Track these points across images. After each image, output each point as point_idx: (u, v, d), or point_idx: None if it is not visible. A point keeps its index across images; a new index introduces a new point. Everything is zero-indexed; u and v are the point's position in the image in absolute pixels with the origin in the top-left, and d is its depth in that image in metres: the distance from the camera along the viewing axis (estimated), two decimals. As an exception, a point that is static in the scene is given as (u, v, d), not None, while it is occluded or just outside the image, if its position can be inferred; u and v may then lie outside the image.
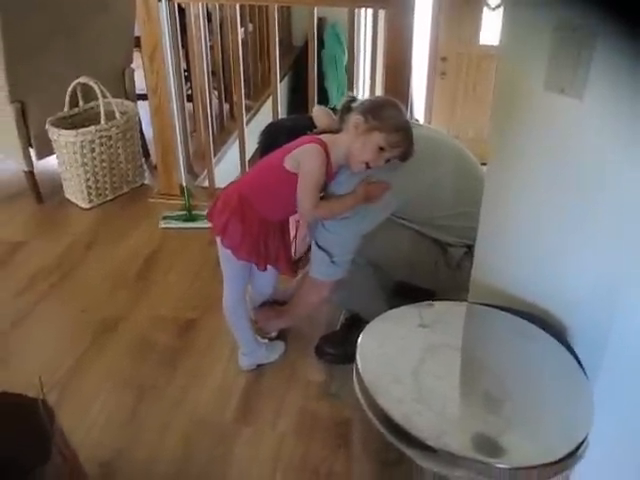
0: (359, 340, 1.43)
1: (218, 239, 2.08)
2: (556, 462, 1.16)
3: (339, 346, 2.35)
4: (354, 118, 1.92)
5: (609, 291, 1.38)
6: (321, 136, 2.00)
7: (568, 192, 1.40)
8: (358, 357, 1.37)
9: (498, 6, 6.35)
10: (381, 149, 1.90)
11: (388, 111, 1.92)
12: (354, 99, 2.00)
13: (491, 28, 6.46)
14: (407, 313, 1.55)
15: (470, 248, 2.09)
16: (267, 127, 2.36)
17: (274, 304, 2.49)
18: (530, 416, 1.29)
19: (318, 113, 2.20)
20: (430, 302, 1.59)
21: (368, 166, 1.94)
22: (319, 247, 2.11)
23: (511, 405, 1.29)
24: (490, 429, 1.24)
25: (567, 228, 1.43)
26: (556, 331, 1.48)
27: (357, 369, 1.34)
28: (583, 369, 1.37)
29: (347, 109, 1.97)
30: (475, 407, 1.31)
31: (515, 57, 1.43)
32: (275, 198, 2.06)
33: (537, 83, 1.37)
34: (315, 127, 2.13)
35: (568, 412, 1.29)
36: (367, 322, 1.52)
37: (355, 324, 2.29)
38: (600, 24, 1.23)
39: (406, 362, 1.36)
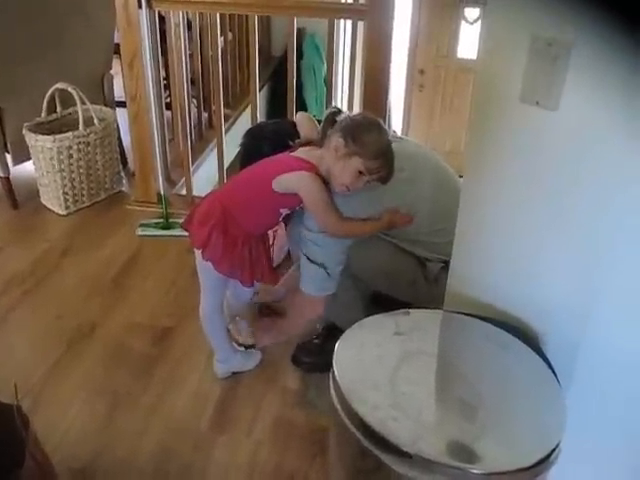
0: (336, 347, 1.44)
1: (198, 251, 2.08)
2: (529, 467, 1.18)
3: (316, 355, 2.35)
4: (335, 140, 1.92)
5: (582, 299, 1.40)
6: (306, 154, 2.01)
7: (543, 203, 1.43)
8: (335, 364, 1.38)
9: (476, 20, 6.42)
10: (360, 173, 1.92)
11: (368, 136, 1.91)
12: (339, 111, 2.01)
13: (469, 42, 6.52)
14: (383, 321, 1.56)
15: (447, 263, 2.11)
16: (250, 130, 2.37)
17: (271, 314, 2.58)
18: (504, 423, 1.31)
19: (301, 120, 2.21)
20: (406, 310, 1.61)
21: (348, 188, 1.95)
22: (311, 262, 2.10)
23: (485, 412, 1.31)
24: (465, 435, 1.25)
25: (541, 238, 1.45)
26: (530, 339, 1.51)
27: (334, 376, 1.35)
28: (556, 376, 1.39)
29: (331, 122, 1.98)
30: (450, 414, 1.33)
31: (492, 70, 1.45)
32: (259, 214, 2.07)
33: (513, 95, 1.39)
34: (297, 133, 2.14)
35: (541, 418, 1.31)
36: (344, 332, 1.53)
37: (332, 333, 2.29)
38: (575, 37, 1.26)
39: (382, 369, 1.38)
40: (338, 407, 1.31)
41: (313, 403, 2.24)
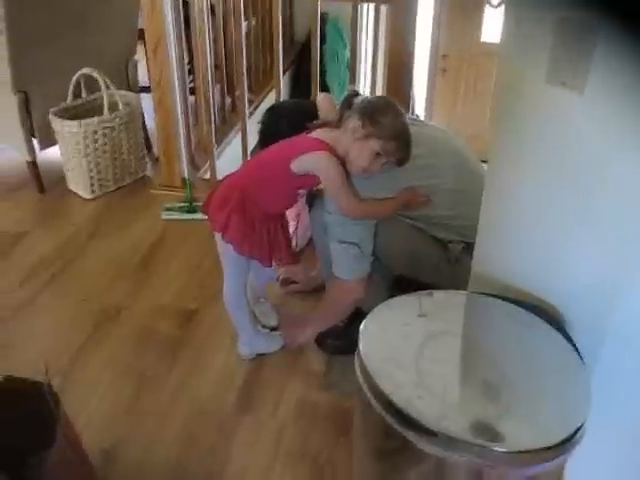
0: (361, 327, 1.45)
1: (218, 234, 2.10)
2: (553, 447, 1.18)
3: (340, 337, 2.36)
4: (352, 122, 1.93)
5: (609, 282, 1.40)
6: (323, 135, 2.01)
7: (569, 185, 1.42)
8: (360, 343, 1.39)
9: (500, 3, 6.34)
10: (378, 155, 1.92)
11: (386, 117, 1.91)
12: (357, 93, 2.01)
13: (493, 25, 6.46)
14: (408, 302, 1.57)
15: (468, 245, 2.11)
16: (270, 108, 2.37)
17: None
18: (528, 402, 1.31)
19: (323, 101, 2.22)
20: (430, 291, 1.61)
21: (365, 170, 1.96)
22: (341, 242, 2.09)
23: (509, 391, 1.31)
24: (489, 414, 1.26)
25: (568, 220, 1.45)
26: (555, 320, 1.50)
27: (359, 355, 1.36)
28: (581, 357, 1.39)
29: (348, 104, 1.98)
30: (475, 393, 1.33)
31: (516, 51, 1.45)
32: (278, 194, 2.09)
33: (538, 77, 1.38)
34: (317, 114, 2.15)
35: (566, 398, 1.31)
36: (367, 315, 1.54)
37: (356, 316, 2.30)
38: (601, 18, 1.25)
39: (408, 348, 1.38)
40: (363, 386, 1.32)
41: (337, 385, 2.25)
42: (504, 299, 1.55)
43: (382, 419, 1.27)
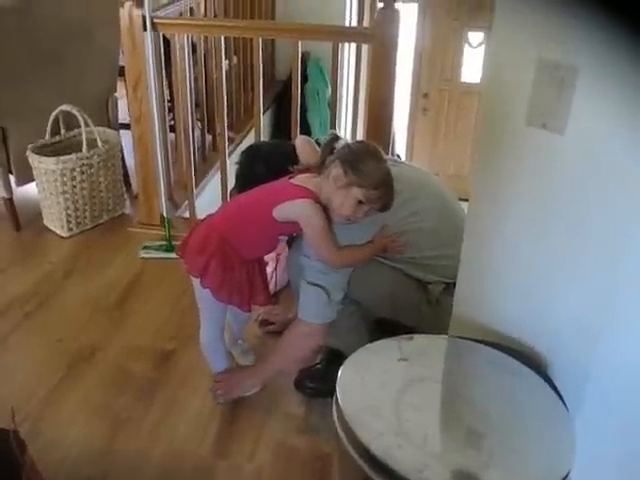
0: (339, 372, 1.42)
1: (196, 279, 2.06)
2: (537, 499, 1.15)
3: (319, 380, 2.32)
4: (334, 170, 1.89)
5: (591, 326, 1.38)
6: (305, 181, 1.98)
7: (550, 227, 1.41)
8: (338, 389, 1.36)
9: (479, 44, 6.46)
10: (360, 202, 1.89)
11: (367, 165, 1.88)
12: (337, 137, 1.98)
13: (472, 65, 6.55)
14: (387, 346, 1.54)
15: (448, 285, 2.09)
16: (246, 149, 2.35)
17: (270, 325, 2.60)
18: (511, 451, 1.28)
19: (302, 144, 2.20)
20: (410, 335, 1.58)
21: (348, 218, 1.93)
22: (312, 284, 2.06)
23: (492, 440, 1.28)
24: (471, 464, 1.22)
25: (550, 263, 1.44)
26: (537, 365, 1.48)
27: (337, 401, 1.33)
28: (564, 403, 1.36)
29: (330, 149, 1.95)
30: (456, 441, 1.30)
31: (497, 92, 1.45)
32: (258, 240, 2.07)
33: (519, 118, 1.38)
34: (295, 157, 2.13)
35: (550, 447, 1.28)
36: (347, 357, 1.51)
37: (335, 359, 2.26)
38: (581, 60, 1.25)
39: (387, 395, 1.35)
40: (341, 434, 1.29)
41: (316, 429, 2.20)
42: (486, 343, 1.53)
43: (361, 469, 1.23)
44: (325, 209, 1.95)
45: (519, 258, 1.51)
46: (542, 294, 1.48)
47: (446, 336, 1.66)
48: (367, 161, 1.89)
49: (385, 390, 1.37)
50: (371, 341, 1.56)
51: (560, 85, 1.28)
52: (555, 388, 1.40)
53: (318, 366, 2.37)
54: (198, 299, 2.15)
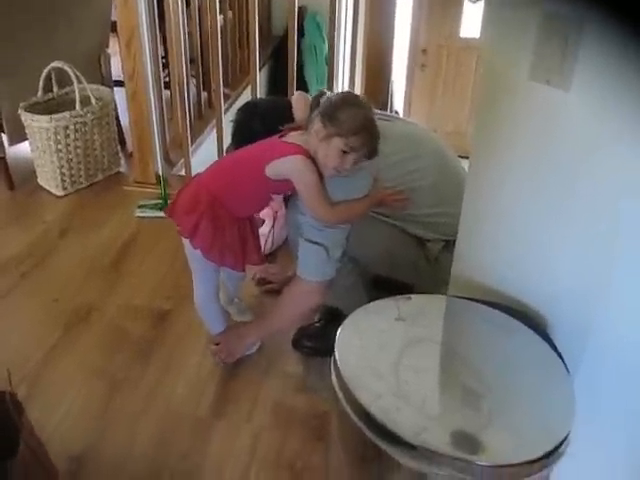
0: (338, 333, 1.40)
1: (186, 240, 2.04)
2: (538, 459, 1.14)
3: (317, 339, 2.32)
4: (315, 124, 1.87)
5: (590, 285, 1.36)
6: (296, 139, 1.95)
7: (552, 185, 1.38)
8: (337, 351, 1.34)
9: (479, -1, 6.34)
10: (345, 152, 1.85)
11: (344, 113, 1.84)
12: (323, 94, 1.94)
13: (472, 21, 6.45)
14: (386, 306, 1.52)
15: (447, 243, 2.08)
16: (243, 106, 2.31)
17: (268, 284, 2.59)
18: (510, 411, 1.27)
19: (297, 100, 2.16)
20: (408, 295, 1.57)
21: (337, 170, 1.90)
22: (311, 242, 2.03)
23: (491, 400, 1.27)
24: (470, 425, 1.21)
25: (550, 221, 1.41)
26: (536, 324, 1.47)
27: (335, 363, 1.32)
28: (564, 363, 1.35)
29: (317, 104, 1.91)
30: (455, 402, 1.29)
31: (500, 47, 1.41)
32: (250, 198, 2.04)
33: (522, 74, 1.35)
34: (291, 114, 2.09)
35: (549, 408, 1.27)
36: (345, 316, 1.49)
37: (334, 318, 2.26)
38: (587, 13, 1.21)
39: (385, 356, 1.34)
40: (340, 395, 1.27)
41: (314, 388, 2.20)
42: (485, 303, 1.51)
43: (360, 430, 1.22)
44: (317, 165, 1.92)
45: (519, 217, 1.49)
46: (542, 254, 1.46)
47: (444, 296, 1.64)
48: (344, 109, 1.84)
49: (384, 351, 1.35)
50: (369, 300, 1.54)
51: (565, 40, 1.24)
52: (555, 348, 1.39)
53: (316, 325, 2.36)
54: (190, 260, 2.13)
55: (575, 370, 1.38)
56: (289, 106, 2.14)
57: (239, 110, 2.27)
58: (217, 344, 2.28)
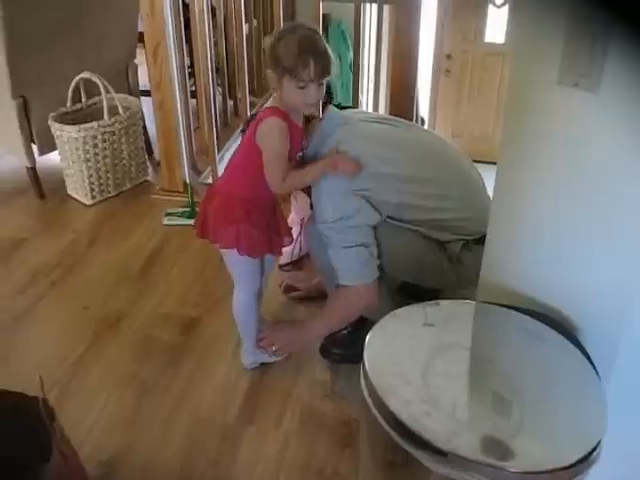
0: (367, 339, 1.40)
1: (228, 251, 2.04)
2: (568, 467, 1.13)
3: (345, 346, 2.31)
4: (269, 75, 1.85)
5: (623, 291, 1.35)
6: (272, 101, 1.93)
7: (582, 189, 1.37)
8: (366, 357, 1.34)
9: (504, 3, 6.31)
10: (301, 87, 1.82)
11: (279, 49, 1.80)
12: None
13: (496, 25, 6.41)
14: (414, 312, 1.52)
15: (466, 242, 2.08)
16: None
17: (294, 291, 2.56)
18: (541, 418, 1.26)
19: None
20: (436, 301, 1.56)
21: (308, 105, 1.88)
22: (350, 246, 1.99)
23: (522, 407, 1.26)
24: (500, 431, 1.21)
25: (581, 227, 1.40)
26: (567, 330, 1.46)
27: (365, 369, 1.32)
28: (596, 370, 1.34)
29: None
30: (485, 408, 1.29)
31: (527, 51, 1.40)
32: (255, 176, 1.99)
33: (550, 77, 1.34)
34: None
35: (580, 415, 1.26)
36: (373, 323, 1.49)
37: (360, 325, 2.25)
38: (614, 17, 1.20)
39: (415, 362, 1.34)
40: (370, 402, 1.27)
41: (342, 394, 2.20)
42: (514, 308, 1.50)
43: (389, 436, 1.22)
44: (295, 132, 1.92)
45: (549, 222, 1.48)
46: (573, 260, 1.45)
47: (473, 301, 1.64)
48: (277, 45, 1.81)
49: (413, 357, 1.35)
50: (396, 307, 1.54)
51: (593, 41, 1.23)
52: (587, 355, 1.37)
53: (344, 332, 2.35)
54: (232, 265, 2.12)
55: (606, 376, 1.37)
56: None
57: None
58: (262, 339, 2.26)
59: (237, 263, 2.10)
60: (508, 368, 1.38)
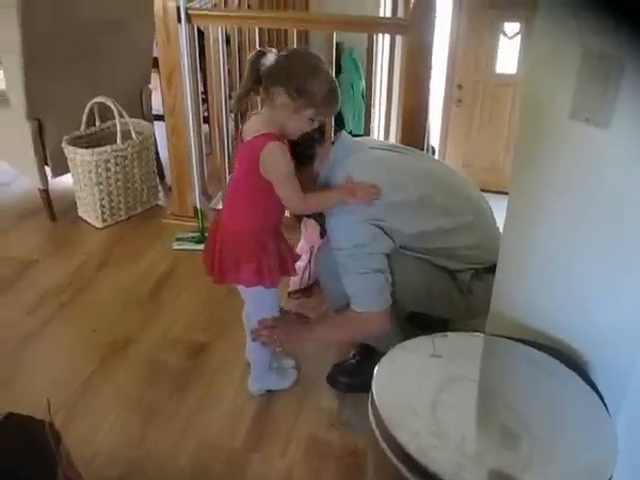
0: (375, 371, 1.40)
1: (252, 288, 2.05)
2: (579, 503, 1.13)
3: (352, 375, 2.30)
4: (279, 99, 1.82)
5: (633, 326, 1.34)
6: (258, 120, 1.92)
7: (593, 224, 1.37)
8: (374, 388, 1.34)
9: (515, 35, 6.35)
10: (312, 119, 1.86)
11: (313, 84, 1.81)
12: (263, 53, 1.87)
13: (508, 56, 6.45)
14: (422, 344, 1.52)
15: (476, 271, 2.07)
16: None
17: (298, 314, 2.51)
18: (551, 453, 1.25)
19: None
20: (444, 333, 1.56)
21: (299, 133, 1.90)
22: (367, 272, 1.99)
23: (531, 441, 1.25)
24: (509, 466, 1.20)
25: (591, 261, 1.40)
26: (577, 365, 1.45)
27: (373, 400, 1.31)
28: (606, 406, 1.33)
29: (256, 68, 1.86)
30: (493, 442, 1.28)
31: (540, 85, 1.41)
32: (266, 210, 2.00)
33: (562, 111, 1.35)
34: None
35: (591, 449, 1.25)
36: (381, 353, 1.49)
37: (369, 354, 2.25)
38: (628, 53, 1.21)
39: (423, 394, 1.33)
40: (377, 433, 1.27)
41: (349, 423, 2.19)
42: (524, 342, 1.50)
43: (396, 468, 1.21)
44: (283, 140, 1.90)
45: (560, 255, 1.47)
46: (583, 293, 1.45)
47: (481, 334, 1.63)
48: (311, 79, 1.82)
49: (421, 389, 1.35)
50: (404, 336, 1.54)
51: (606, 79, 1.24)
52: (596, 390, 1.37)
53: (351, 361, 2.35)
54: (253, 301, 2.15)
55: (617, 410, 1.36)
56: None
57: None
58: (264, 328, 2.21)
59: (259, 297, 2.10)
60: (517, 402, 1.37)
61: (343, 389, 2.32)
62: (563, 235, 1.45)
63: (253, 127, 1.94)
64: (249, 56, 1.91)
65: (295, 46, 3.14)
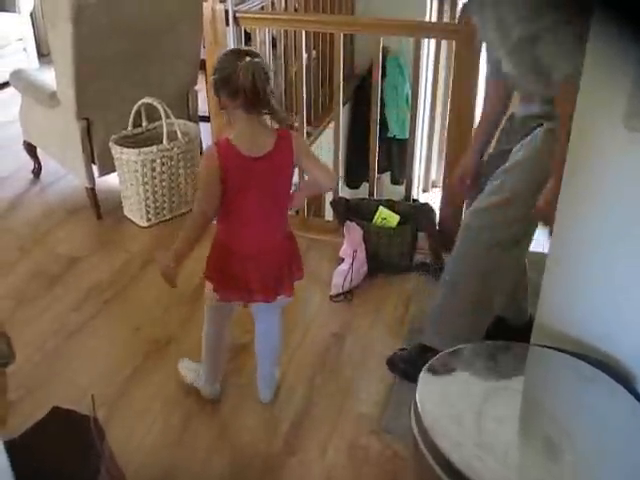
0: (420, 376, 1.39)
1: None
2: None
3: (410, 364, 2.32)
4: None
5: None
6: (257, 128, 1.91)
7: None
8: (418, 396, 1.33)
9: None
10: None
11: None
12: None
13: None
14: (476, 351, 1.50)
15: None
16: None
17: None
18: (595, 467, 1.23)
19: None
20: (507, 344, 1.54)
21: None
22: None
23: (575, 454, 1.23)
24: (552, 478, 1.18)
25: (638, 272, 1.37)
26: (623, 377, 1.42)
27: (416, 408, 1.30)
28: (654, 421, 1.30)
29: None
30: (537, 454, 1.26)
31: (594, 92, 1.39)
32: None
33: (615, 120, 1.32)
34: None
35: (636, 464, 1.22)
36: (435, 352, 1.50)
37: (425, 351, 2.25)
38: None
39: (467, 404, 1.32)
40: (419, 440, 1.26)
41: (389, 430, 2.17)
42: (570, 353, 1.48)
43: (437, 477, 1.20)
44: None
45: (608, 266, 1.45)
46: (630, 306, 1.42)
47: (528, 345, 1.61)
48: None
49: (466, 398, 1.34)
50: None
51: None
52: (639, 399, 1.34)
53: (412, 351, 2.39)
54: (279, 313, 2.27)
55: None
56: None
57: None
58: None
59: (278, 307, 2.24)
60: (562, 414, 1.35)
61: (401, 374, 2.37)
62: (612, 247, 1.43)
63: (256, 139, 1.91)
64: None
65: (341, 50, 3.13)
